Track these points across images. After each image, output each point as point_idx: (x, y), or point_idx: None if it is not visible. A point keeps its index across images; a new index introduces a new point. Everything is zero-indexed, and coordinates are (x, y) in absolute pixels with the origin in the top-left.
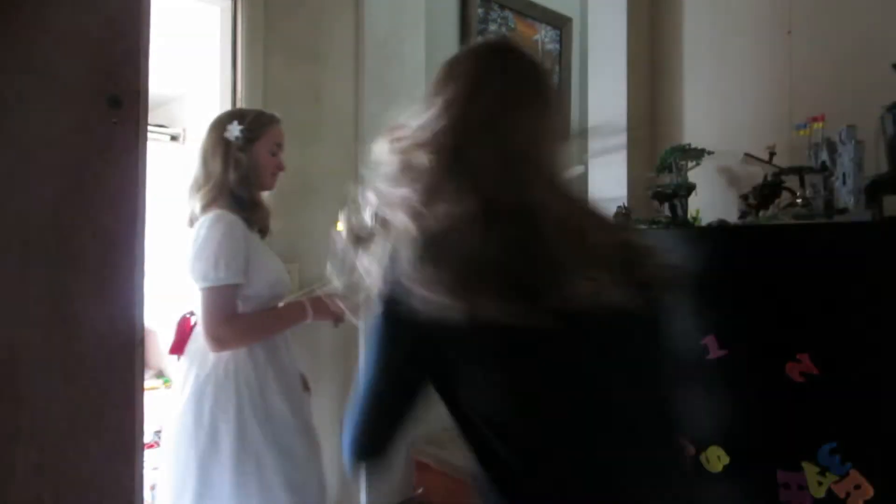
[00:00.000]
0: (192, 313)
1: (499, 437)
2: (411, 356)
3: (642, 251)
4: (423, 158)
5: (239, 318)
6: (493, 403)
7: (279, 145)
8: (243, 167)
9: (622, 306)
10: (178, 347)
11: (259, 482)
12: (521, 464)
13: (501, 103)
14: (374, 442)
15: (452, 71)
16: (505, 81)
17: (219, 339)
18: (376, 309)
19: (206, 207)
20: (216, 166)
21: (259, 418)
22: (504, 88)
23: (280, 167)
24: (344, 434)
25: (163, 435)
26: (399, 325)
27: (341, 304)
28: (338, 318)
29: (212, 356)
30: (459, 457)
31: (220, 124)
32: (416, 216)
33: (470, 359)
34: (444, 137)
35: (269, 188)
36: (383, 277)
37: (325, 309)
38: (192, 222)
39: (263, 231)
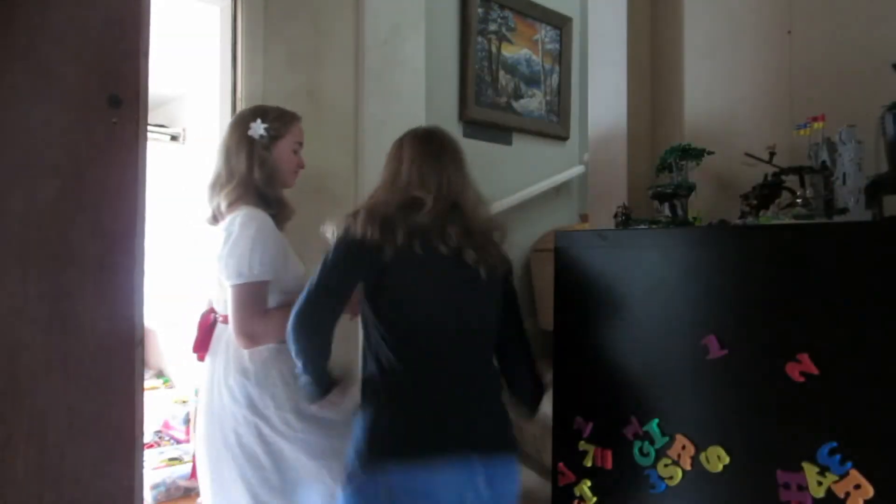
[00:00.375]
0: (212, 311)
1: (389, 334)
2: (356, 263)
3: (495, 243)
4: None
5: (271, 313)
6: (391, 301)
7: (300, 143)
8: (268, 165)
9: (476, 264)
10: (201, 346)
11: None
12: (395, 357)
13: (440, 157)
14: (313, 316)
15: (403, 146)
16: (441, 148)
17: (251, 336)
18: (340, 240)
19: (232, 205)
20: (240, 164)
21: (297, 412)
22: (440, 151)
23: (301, 165)
24: (291, 314)
25: (198, 433)
26: (354, 245)
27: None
28: (355, 313)
29: (245, 353)
30: None
31: (243, 121)
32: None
33: (387, 270)
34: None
35: (289, 186)
36: (350, 227)
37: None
38: (215, 219)
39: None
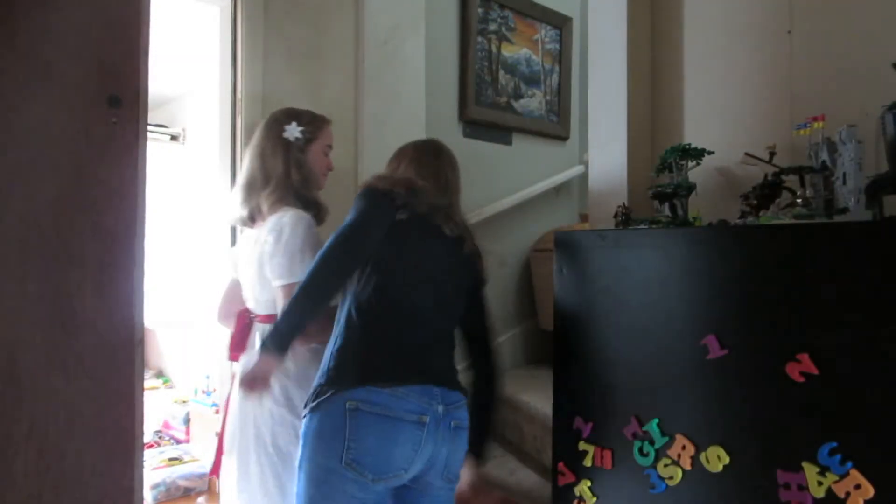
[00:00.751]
0: (247, 311)
1: (377, 278)
2: (381, 213)
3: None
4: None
5: None
6: (391, 254)
7: (329, 146)
8: (304, 167)
9: (468, 251)
10: (238, 346)
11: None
12: (376, 297)
13: (439, 156)
14: (338, 261)
15: (402, 151)
16: (438, 150)
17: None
18: (366, 193)
19: (274, 206)
20: (277, 166)
21: None
22: (438, 153)
23: (330, 167)
24: (317, 258)
25: (228, 430)
26: (379, 196)
27: None
28: None
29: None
30: None
31: (278, 124)
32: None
33: (397, 226)
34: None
35: (321, 188)
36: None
37: None
38: (252, 220)
39: None
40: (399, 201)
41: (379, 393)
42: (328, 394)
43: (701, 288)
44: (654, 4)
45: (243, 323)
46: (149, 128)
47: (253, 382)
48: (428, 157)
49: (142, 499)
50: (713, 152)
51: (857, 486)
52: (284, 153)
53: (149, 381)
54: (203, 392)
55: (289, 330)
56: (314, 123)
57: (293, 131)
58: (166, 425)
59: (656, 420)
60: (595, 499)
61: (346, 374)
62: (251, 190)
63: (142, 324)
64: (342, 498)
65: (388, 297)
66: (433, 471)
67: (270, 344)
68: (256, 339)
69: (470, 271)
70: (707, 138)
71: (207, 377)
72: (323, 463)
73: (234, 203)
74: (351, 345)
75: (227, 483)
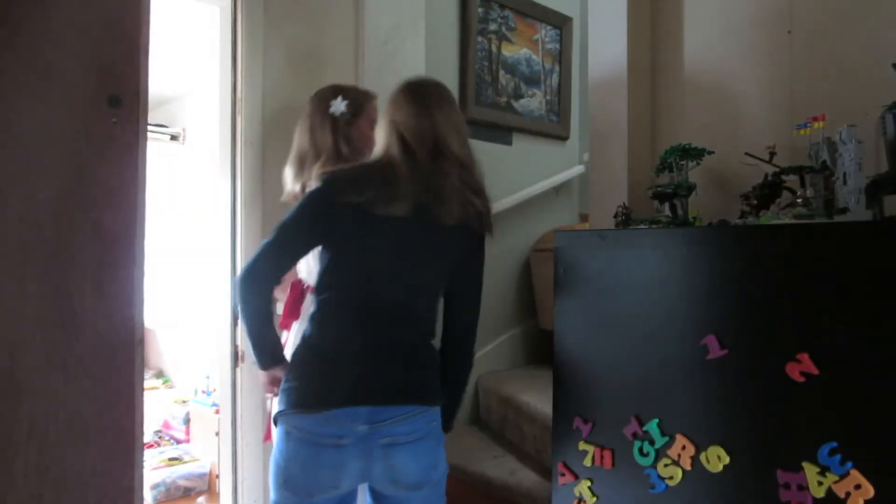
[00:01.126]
0: (301, 280)
1: (338, 268)
2: (315, 218)
3: (480, 198)
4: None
5: None
6: (331, 262)
7: (374, 121)
8: (352, 141)
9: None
10: (291, 313)
11: None
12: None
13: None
14: (271, 265)
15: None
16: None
17: None
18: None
19: None
20: (326, 140)
21: None
22: (423, 97)
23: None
24: (249, 260)
25: None
26: (317, 199)
27: None
28: None
29: None
30: (458, 457)
31: (324, 100)
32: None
33: (339, 227)
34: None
35: None
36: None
37: None
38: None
39: None
40: (337, 200)
41: (305, 418)
42: (282, 417)
43: (701, 288)
44: (654, 4)
45: (296, 292)
46: (149, 128)
47: (266, 389)
48: (408, 107)
49: (142, 499)
50: (713, 152)
51: (858, 486)
52: (332, 127)
53: (149, 381)
54: (203, 392)
55: (257, 348)
56: (359, 99)
57: (339, 106)
58: (166, 425)
59: (656, 420)
60: (595, 499)
61: (288, 400)
62: (302, 164)
63: (142, 324)
64: None
65: (333, 302)
66: (380, 483)
67: (258, 364)
68: (308, 308)
69: (451, 249)
70: (707, 138)
71: (207, 377)
72: (272, 480)
73: (286, 178)
74: (295, 366)
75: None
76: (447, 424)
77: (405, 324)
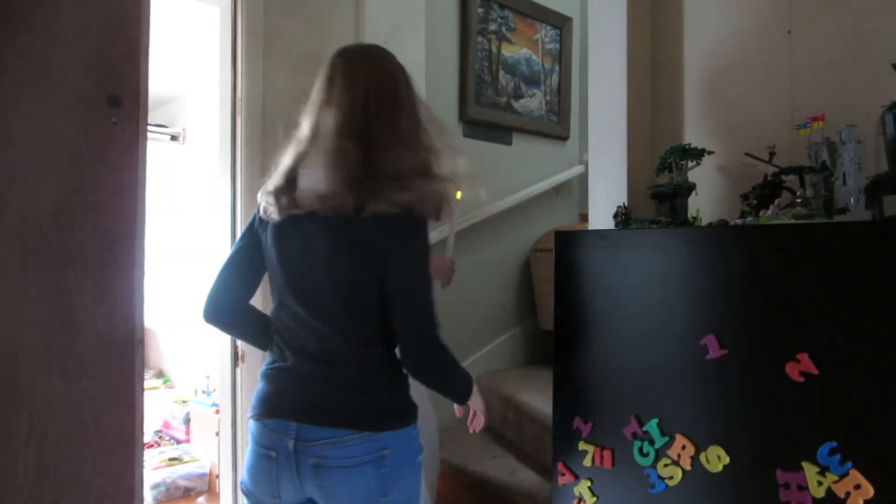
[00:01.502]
0: None
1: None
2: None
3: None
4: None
5: None
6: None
7: None
8: None
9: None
10: None
11: None
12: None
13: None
14: (226, 293)
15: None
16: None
17: None
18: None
19: None
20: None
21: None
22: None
23: None
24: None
25: None
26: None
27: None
28: (448, 279)
29: None
30: (458, 457)
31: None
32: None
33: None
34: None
35: None
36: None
37: (442, 269)
38: None
39: None
40: (255, 215)
41: (253, 424)
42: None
43: (701, 288)
44: (654, 4)
45: None
46: (149, 128)
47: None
48: (321, 91)
49: (142, 499)
50: (713, 152)
51: (857, 486)
52: None
53: (149, 381)
54: (203, 392)
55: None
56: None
57: None
58: (166, 425)
59: (656, 420)
60: (595, 499)
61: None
62: None
63: (142, 324)
64: None
65: (273, 317)
66: (321, 502)
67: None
68: None
69: (369, 252)
70: (707, 138)
71: (207, 377)
72: None
73: None
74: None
75: None
76: (458, 402)
77: (326, 343)
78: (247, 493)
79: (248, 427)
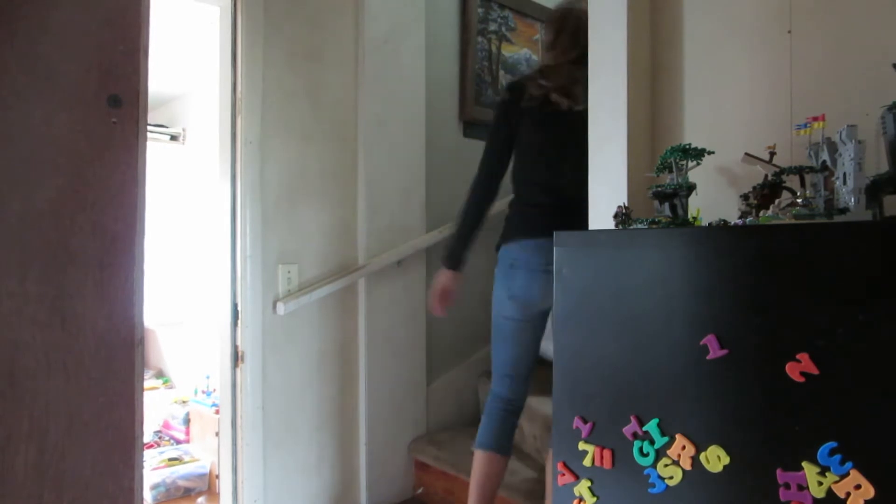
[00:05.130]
0: None
1: (528, 156)
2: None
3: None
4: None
5: None
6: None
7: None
8: None
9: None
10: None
11: None
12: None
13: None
14: (493, 169)
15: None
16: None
17: None
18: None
19: None
20: None
21: None
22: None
23: None
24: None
25: None
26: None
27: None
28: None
29: None
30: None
31: None
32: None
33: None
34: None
35: None
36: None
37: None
38: None
39: None
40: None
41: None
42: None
43: (701, 288)
44: (654, 4)
45: None
46: (149, 128)
47: (435, 298)
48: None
49: (142, 499)
50: (713, 152)
51: (858, 486)
52: None
53: (149, 381)
54: (203, 392)
55: (457, 239)
56: None
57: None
58: (166, 425)
59: (656, 420)
60: (595, 499)
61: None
62: None
63: (142, 324)
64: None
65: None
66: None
67: (443, 259)
68: None
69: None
70: (707, 138)
71: (207, 377)
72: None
73: None
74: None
75: None
76: None
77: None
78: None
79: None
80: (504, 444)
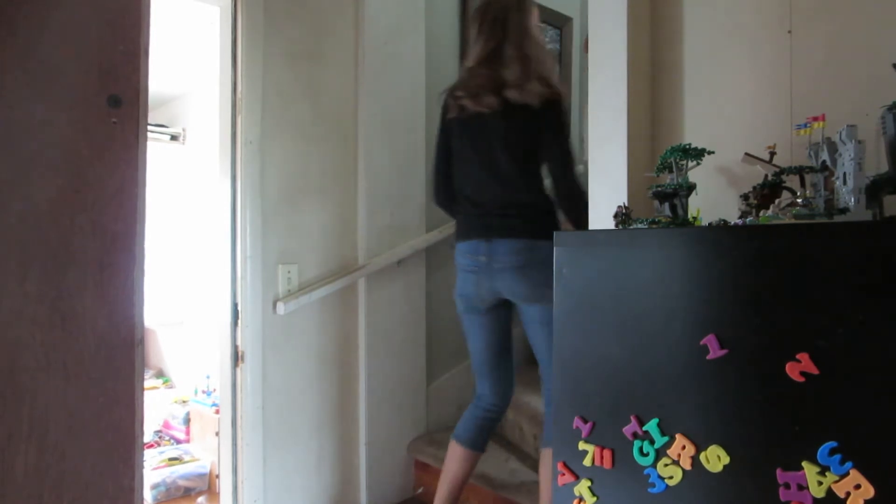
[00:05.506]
0: None
1: (457, 165)
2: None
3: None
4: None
5: None
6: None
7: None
8: None
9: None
10: None
11: None
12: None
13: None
14: (440, 185)
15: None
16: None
17: None
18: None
19: None
20: None
21: None
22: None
23: None
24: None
25: None
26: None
27: None
28: None
29: None
30: None
31: None
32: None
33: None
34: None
35: None
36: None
37: None
38: None
39: None
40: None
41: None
42: None
43: (701, 288)
44: (654, 4)
45: None
46: (149, 128)
47: None
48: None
49: (142, 499)
50: (713, 152)
51: (857, 486)
52: None
53: (149, 381)
54: (203, 392)
55: None
56: None
57: None
58: (166, 425)
59: (656, 420)
60: (595, 499)
61: None
62: None
63: (142, 324)
64: None
65: None
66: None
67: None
68: None
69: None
70: (707, 138)
71: (207, 377)
72: None
73: None
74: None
75: None
76: None
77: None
78: None
79: None
80: (469, 438)
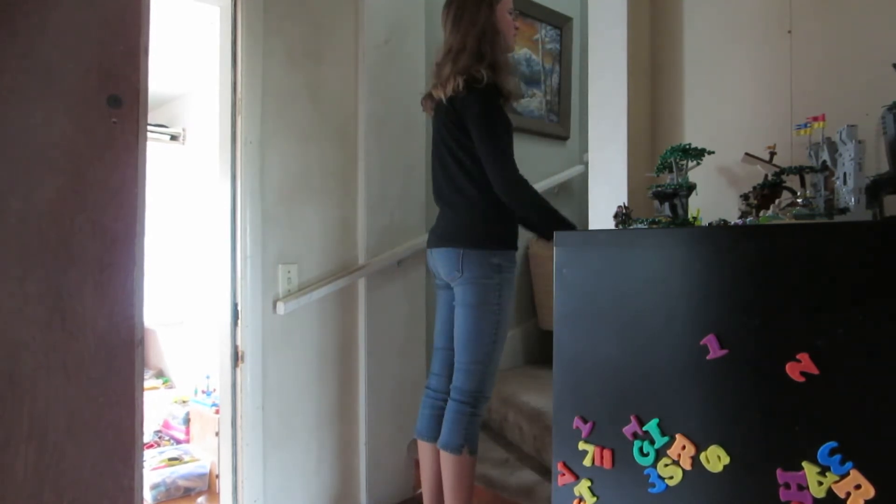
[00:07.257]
0: None
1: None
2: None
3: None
4: None
5: None
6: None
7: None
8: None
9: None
10: None
11: None
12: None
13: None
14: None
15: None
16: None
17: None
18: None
19: None
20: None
21: None
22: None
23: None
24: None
25: None
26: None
27: None
28: None
29: None
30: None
31: None
32: None
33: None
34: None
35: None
36: None
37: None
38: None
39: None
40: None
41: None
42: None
43: (701, 288)
44: (654, 4)
45: None
46: (149, 128)
47: None
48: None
49: (142, 499)
50: (713, 152)
51: (858, 486)
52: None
53: (149, 381)
54: (203, 392)
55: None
56: None
57: None
58: (166, 425)
59: (656, 420)
60: (595, 499)
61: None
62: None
63: (142, 324)
64: None
65: None
66: None
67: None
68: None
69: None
70: (707, 138)
71: (207, 377)
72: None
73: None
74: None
75: None
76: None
77: None
78: None
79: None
80: (430, 433)
